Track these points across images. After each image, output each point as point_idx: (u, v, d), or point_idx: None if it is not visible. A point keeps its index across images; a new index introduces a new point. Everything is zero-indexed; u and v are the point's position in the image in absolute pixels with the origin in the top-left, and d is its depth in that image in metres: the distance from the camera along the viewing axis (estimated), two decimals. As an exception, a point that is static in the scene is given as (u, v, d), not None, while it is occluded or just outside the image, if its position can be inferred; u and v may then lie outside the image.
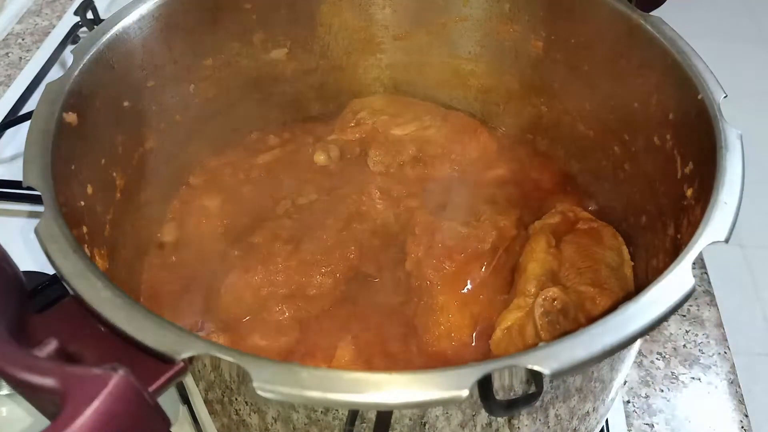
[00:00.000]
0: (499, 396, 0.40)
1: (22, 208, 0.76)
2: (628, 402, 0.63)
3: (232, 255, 0.61)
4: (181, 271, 0.63)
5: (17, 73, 0.95)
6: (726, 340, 0.68)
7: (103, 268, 0.53)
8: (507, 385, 0.41)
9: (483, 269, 0.60)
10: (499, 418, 0.43)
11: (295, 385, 0.34)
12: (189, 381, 0.45)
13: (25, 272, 0.46)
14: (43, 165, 0.46)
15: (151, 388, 0.35)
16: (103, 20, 0.59)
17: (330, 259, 0.60)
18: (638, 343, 0.47)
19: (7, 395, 0.59)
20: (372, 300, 0.60)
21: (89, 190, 0.53)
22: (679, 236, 0.51)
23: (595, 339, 0.36)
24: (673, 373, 0.65)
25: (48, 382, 0.32)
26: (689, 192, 0.51)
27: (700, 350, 0.67)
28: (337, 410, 0.41)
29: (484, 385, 0.35)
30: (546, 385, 0.42)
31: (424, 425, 0.42)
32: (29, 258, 0.68)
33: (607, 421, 0.60)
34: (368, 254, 0.61)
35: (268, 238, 0.61)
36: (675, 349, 0.67)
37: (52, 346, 0.36)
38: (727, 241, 0.42)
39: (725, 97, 0.50)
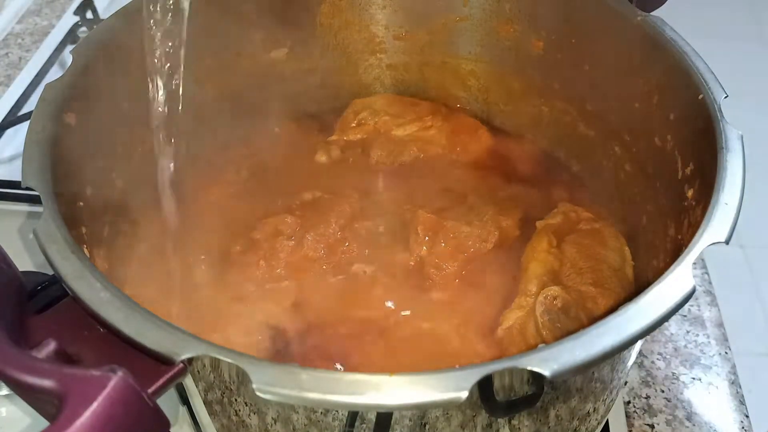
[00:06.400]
0: (500, 397, 0.40)
1: (21, 209, 0.75)
2: (629, 402, 0.63)
3: (234, 250, 0.61)
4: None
5: (17, 74, 0.95)
6: (727, 340, 0.68)
7: (102, 268, 0.53)
8: (507, 386, 0.41)
9: (485, 269, 0.60)
10: (499, 419, 0.43)
11: (295, 386, 0.34)
12: (188, 382, 0.45)
13: (24, 273, 0.46)
14: (42, 165, 0.46)
15: (150, 390, 0.35)
16: (102, 20, 0.58)
17: (332, 255, 0.60)
18: (639, 343, 0.47)
19: (6, 396, 0.59)
20: (373, 299, 0.60)
21: (88, 190, 0.53)
22: (679, 237, 0.51)
23: (596, 340, 0.36)
24: (673, 373, 0.65)
25: (47, 383, 0.32)
26: (690, 193, 0.51)
27: (700, 350, 0.67)
28: (337, 411, 0.41)
29: (484, 386, 0.35)
30: (546, 386, 0.42)
31: (424, 426, 0.42)
32: (28, 258, 0.68)
33: (607, 421, 0.60)
34: (370, 252, 0.61)
35: (270, 234, 0.61)
36: (676, 349, 0.67)
37: (51, 347, 0.36)
38: (727, 242, 0.42)
39: (726, 97, 0.50)
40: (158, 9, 0.52)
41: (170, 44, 0.53)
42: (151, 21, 0.52)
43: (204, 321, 0.57)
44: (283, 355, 0.55)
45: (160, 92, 0.54)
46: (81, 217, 0.51)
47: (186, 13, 0.52)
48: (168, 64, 0.53)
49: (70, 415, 0.31)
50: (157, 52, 0.53)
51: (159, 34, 0.52)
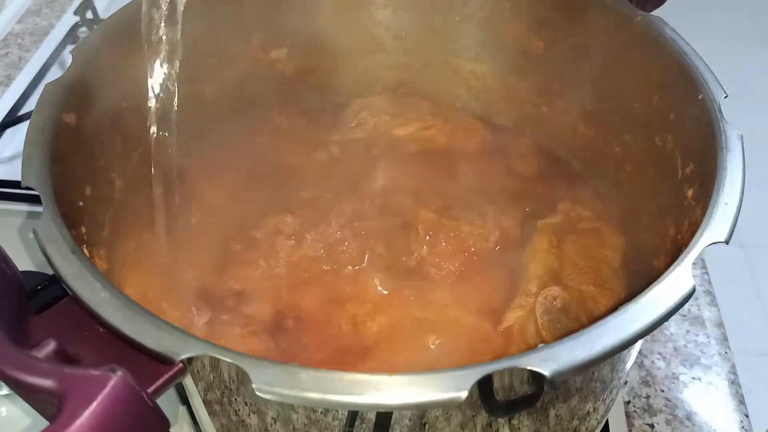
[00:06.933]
0: (499, 396, 0.40)
1: (20, 209, 0.75)
2: (629, 402, 0.63)
3: (234, 249, 0.61)
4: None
5: (17, 73, 0.95)
6: (727, 340, 0.68)
7: (102, 268, 0.53)
8: (507, 385, 0.41)
9: (485, 268, 0.60)
10: (499, 419, 0.43)
11: (295, 386, 0.34)
12: (188, 381, 0.45)
13: (24, 272, 0.46)
14: (42, 165, 0.46)
15: (149, 389, 0.35)
16: (102, 20, 0.58)
17: (332, 255, 0.60)
18: (639, 343, 0.47)
19: (6, 396, 0.59)
20: (373, 299, 0.60)
21: (88, 190, 0.53)
22: (679, 237, 0.51)
23: (596, 340, 0.36)
24: (673, 373, 0.65)
25: (46, 383, 0.32)
26: (690, 192, 0.51)
27: (700, 350, 0.67)
28: (336, 411, 0.41)
29: (484, 386, 0.35)
30: (546, 386, 0.42)
31: (424, 425, 0.42)
32: (28, 258, 0.68)
33: (607, 421, 0.60)
34: (370, 252, 0.61)
35: (269, 233, 0.61)
36: (676, 349, 0.67)
37: (50, 347, 0.36)
38: (727, 242, 0.42)
39: (726, 97, 0.50)
40: (156, 9, 0.52)
41: (168, 45, 0.53)
42: (150, 21, 0.52)
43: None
44: (282, 354, 0.55)
45: (159, 92, 0.54)
46: (81, 217, 0.51)
47: (180, 13, 0.52)
48: (166, 64, 0.53)
49: (69, 415, 0.31)
50: (157, 51, 0.53)
51: (158, 32, 0.52)
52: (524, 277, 0.58)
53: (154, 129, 0.54)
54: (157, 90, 0.53)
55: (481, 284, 0.60)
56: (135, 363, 0.35)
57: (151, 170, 0.60)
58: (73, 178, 0.50)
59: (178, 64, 0.53)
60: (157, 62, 0.52)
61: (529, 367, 0.35)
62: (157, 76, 0.53)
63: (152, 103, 0.53)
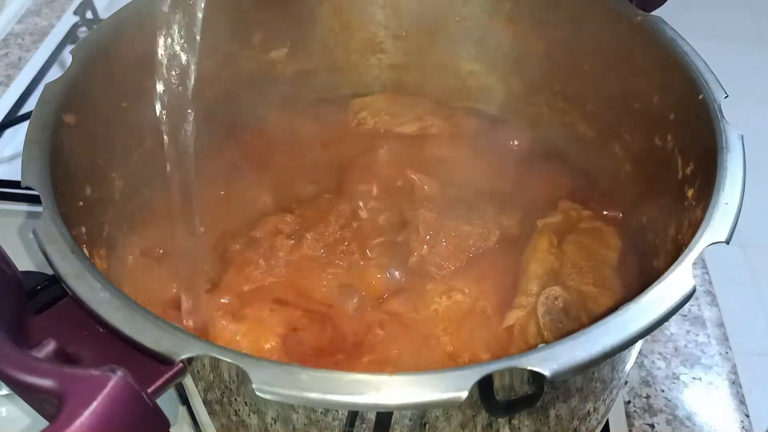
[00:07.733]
0: (500, 396, 0.40)
1: (20, 208, 0.75)
2: (629, 402, 0.63)
3: (233, 248, 0.61)
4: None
5: (17, 74, 0.95)
6: (727, 340, 0.68)
7: (102, 268, 0.53)
8: (507, 385, 0.41)
9: (486, 268, 0.60)
10: (499, 419, 0.43)
11: (295, 386, 0.34)
12: (188, 382, 0.45)
13: (24, 272, 0.46)
14: (42, 165, 0.46)
15: (149, 389, 0.35)
16: (102, 20, 0.58)
17: (331, 255, 0.60)
18: (639, 343, 0.47)
19: (5, 396, 0.59)
20: (373, 299, 0.60)
21: (88, 190, 0.53)
22: (680, 237, 0.51)
23: (596, 340, 0.36)
24: (674, 373, 0.65)
25: (46, 383, 0.32)
26: (690, 192, 0.51)
27: (701, 350, 0.67)
28: (336, 411, 0.41)
29: (484, 386, 0.35)
30: (546, 386, 0.42)
31: (425, 425, 0.42)
32: (28, 258, 0.68)
33: (607, 421, 0.60)
34: (370, 251, 0.61)
35: (269, 233, 0.61)
36: (676, 349, 0.67)
37: (50, 347, 0.35)
38: (728, 241, 0.42)
39: (726, 97, 0.50)
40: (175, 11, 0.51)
41: (182, 48, 0.53)
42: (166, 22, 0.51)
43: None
44: (283, 354, 0.55)
45: (167, 93, 0.54)
46: (81, 217, 0.51)
47: (200, 16, 0.52)
48: (178, 68, 0.53)
49: (69, 415, 0.31)
50: (168, 54, 0.53)
51: (172, 31, 0.52)
52: (524, 277, 0.58)
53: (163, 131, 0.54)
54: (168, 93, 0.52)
55: (482, 284, 0.60)
56: (135, 363, 0.35)
57: (150, 170, 0.60)
58: (72, 178, 0.50)
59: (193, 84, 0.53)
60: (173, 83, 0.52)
61: (529, 367, 0.35)
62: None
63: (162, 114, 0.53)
